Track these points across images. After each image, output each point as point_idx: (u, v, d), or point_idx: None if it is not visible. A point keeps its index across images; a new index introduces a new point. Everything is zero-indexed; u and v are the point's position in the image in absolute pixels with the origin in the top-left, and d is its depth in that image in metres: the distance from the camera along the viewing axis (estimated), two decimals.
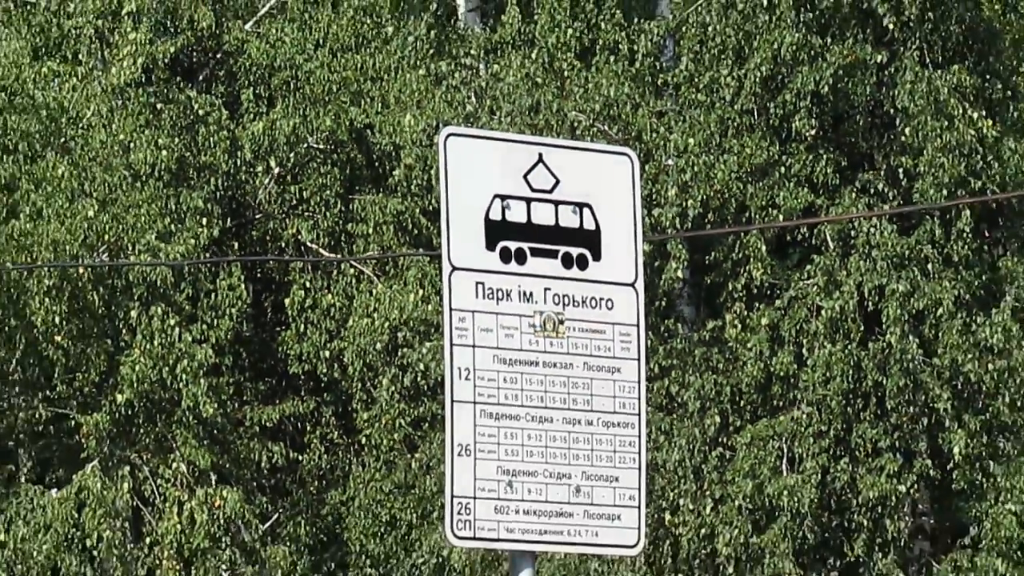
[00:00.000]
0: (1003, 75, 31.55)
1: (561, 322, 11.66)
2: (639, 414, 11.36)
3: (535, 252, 11.56)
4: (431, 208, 31.62)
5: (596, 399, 11.65)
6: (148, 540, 31.68)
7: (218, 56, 34.39)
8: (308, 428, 34.11)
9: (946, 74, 28.41)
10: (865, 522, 27.83)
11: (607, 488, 11.62)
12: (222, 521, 31.27)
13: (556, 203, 11.69)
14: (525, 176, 11.60)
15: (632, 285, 11.46)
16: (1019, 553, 28.30)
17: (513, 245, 11.48)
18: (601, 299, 11.82)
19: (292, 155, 33.33)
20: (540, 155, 11.53)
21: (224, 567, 32.96)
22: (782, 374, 28.05)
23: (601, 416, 11.61)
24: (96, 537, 30.98)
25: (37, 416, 32.39)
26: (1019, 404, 28.70)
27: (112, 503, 31.17)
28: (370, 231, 31.77)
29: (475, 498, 11.15)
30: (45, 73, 32.41)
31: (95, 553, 31.47)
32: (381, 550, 30.78)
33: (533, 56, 30.33)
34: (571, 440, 11.45)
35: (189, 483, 31.07)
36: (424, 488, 28.07)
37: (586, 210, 11.80)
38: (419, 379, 28.79)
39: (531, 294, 11.51)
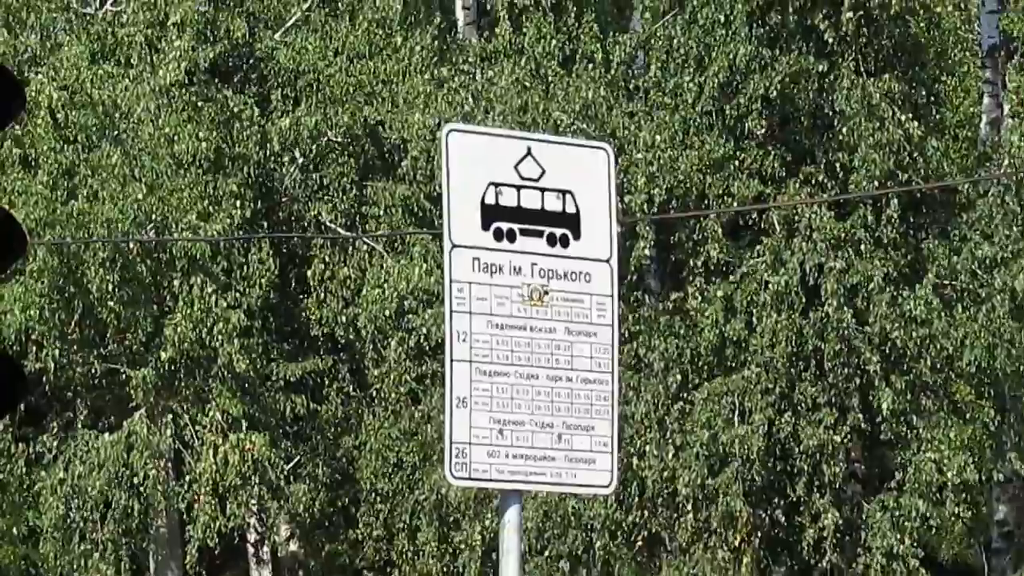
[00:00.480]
0: (927, 83, 31.58)
1: (546, 292, 12.46)
2: (612, 372, 12.34)
3: (524, 232, 12.38)
4: (435, 194, 30.74)
5: (575, 359, 12.46)
6: (187, 478, 31.90)
7: (251, 61, 34.28)
8: (326, 383, 34.09)
9: (878, 81, 28.41)
10: (805, 467, 27.76)
11: (584, 436, 12.42)
12: (251, 463, 31.28)
13: (542, 190, 12.45)
14: (515, 167, 12.42)
15: (607, 261, 12.38)
16: (937, 495, 28.31)
17: (505, 226, 12.27)
18: (580, 273, 12.61)
19: (314, 147, 33.20)
20: (528, 148, 12.58)
21: (253, 502, 33.22)
22: (735, 339, 28.00)
23: (580, 374, 12.48)
24: (143, 475, 31.08)
25: (92, 370, 32.45)
26: (939, 367, 28.78)
27: (156, 446, 31.38)
28: (381, 213, 31.77)
29: (470, 444, 11.99)
30: (101, 74, 32.22)
31: (141, 489, 31.55)
32: (388, 488, 30.81)
33: (522, 63, 30.28)
34: (553, 394, 12.31)
35: (223, 429, 31.22)
36: (426, 435, 28.14)
37: (568, 196, 12.58)
38: (422, 341, 28.81)
39: (520, 268, 12.32)
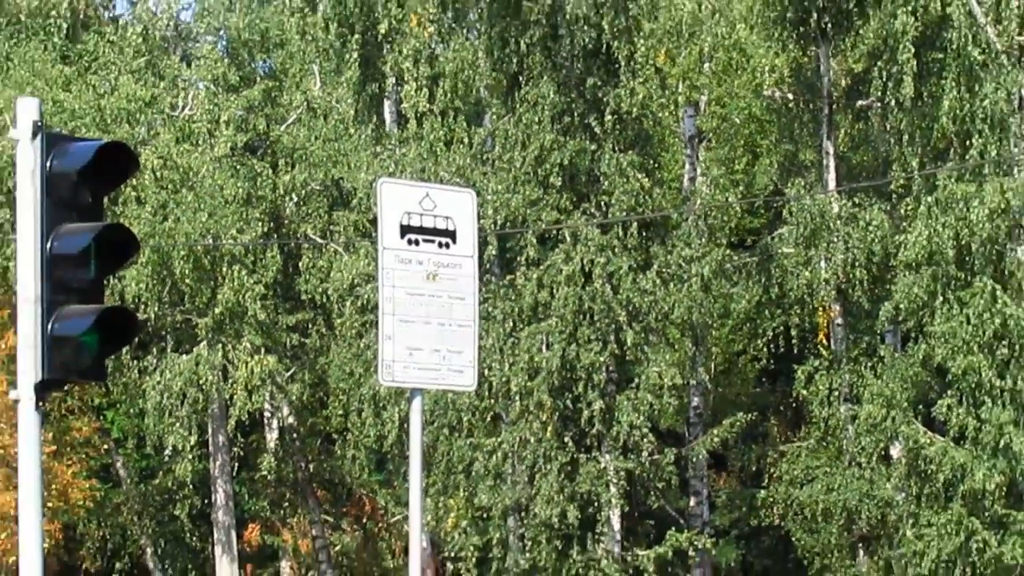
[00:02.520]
0: (654, 155, 31.48)
1: (436, 275, 12.54)
2: (474, 320, 12.77)
3: (424, 240, 12.52)
4: (373, 217, 29.38)
5: (453, 312, 12.60)
6: (230, 381, 31.18)
7: (267, 142, 33.75)
8: (310, 327, 33.19)
9: (625, 156, 28.25)
10: (583, 375, 27.24)
11: (458, 356, 12.70)
12: (267, 372, 31.08)
13: (434, 216, 12.55)
14: (420, 202, 12.54)
15: (471, 257, 12.67)
16: (659, 391, 28.14)
17: (414, 236, 12.45)
18: (456, 264, 12.66)
19: (304, 191, 32.83)
20: (427, 192, 12.76)
21: (267, 395, 32.62)
22: (543, 303, 27.48)
23: (455, 320, 12.62)
24: (205, 379, 31.18)
25: (176, 319, 32.11)
26: (659, 318, 28.49)
27: (212, 362, 30.98)
28: (342, 229, 31.44)
29: (393, 362, 12.37)
30: (181, 149, 32.01)
31: (203, 386, 30.97)
32: (347, 386, 30.31)
33: (422, 144, 29.81)
34: (440, 333, 12.53)
35: (251, 352, 30.87)
36: (367, 357, 27.65)
37: (449, 219, 12.62)
38: (366, 303, 28.33)
39: (422, 260, 12.49)
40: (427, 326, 12.44)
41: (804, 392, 29.35)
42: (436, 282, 12.49)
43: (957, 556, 25.11)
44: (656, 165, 31.01)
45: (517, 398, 27.61)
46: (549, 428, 27.70)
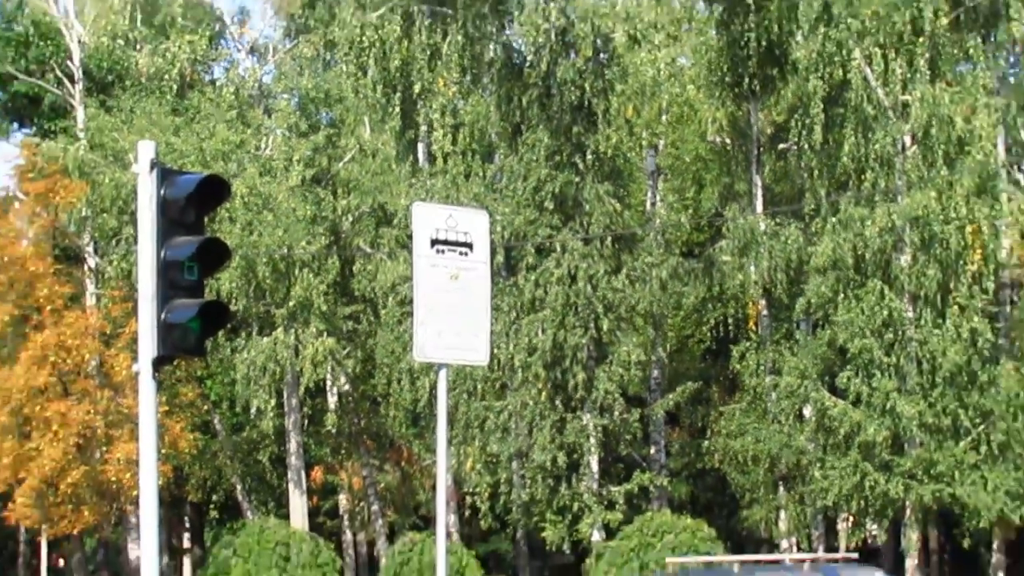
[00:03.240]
0: (628, 189, 31.83)
1: (458, 276, 12.20)
2: (487, 310, 12.56)
3: (449, 250, 12.17)
4: (409, 232, 28.69)
5: (471, 303, 12.31)
6: (299, 357, 30.15)
7: (328, 175, 32.69)
8: (361, 316, 32.43)
9: (603, 186, 28.39)
10: (570, 352, 27.46)
11: (473, 337, 12.44)
12: (328, 350, 30.24)
13: (456, 231, 12.20)
14: (446, 220, 12.30)
15: (485, 262, 12.38)
16: (628, 365, 28.33)
17: (440, 247, 12.13)
18: (472, 267, 12.33)
19: (357, 212, 32.24)
20: (451, 213, 12.65)
21: (330, 367, 31.79)
22: (540, 297, 27.78)
23: (473, 310, 12.34)
24: (281, 356, 30.07)
25: (258, 309, 31.19)
26: (626, 313, 28.21)
27: (287, 343, 30.09)
28: (386, 241, 30.72)
29: (425, 342, 12.22)
30: (263, 181, 31.16)
31: (280, 362, 30.17)
32: (389, 361, 29.88)
33: (447, 177, 29.60)
34: (461, 319, 12.22)
35: (316, 336, 30.01)
36: (406, 339, 27.22)
37: (467, 232, 12.29)
38: (404, 298, 27.84)
39: (447, 265, 12.15)
40: (450, 315, 12.19)
41: (738, 366, 29.28)
42: (457, 281, 12.22)
43: (854, 492, 25.07)
44: (626, 193, 30.85)
45: (519, 371, 27.47)
46: (543, 394, 27.58)
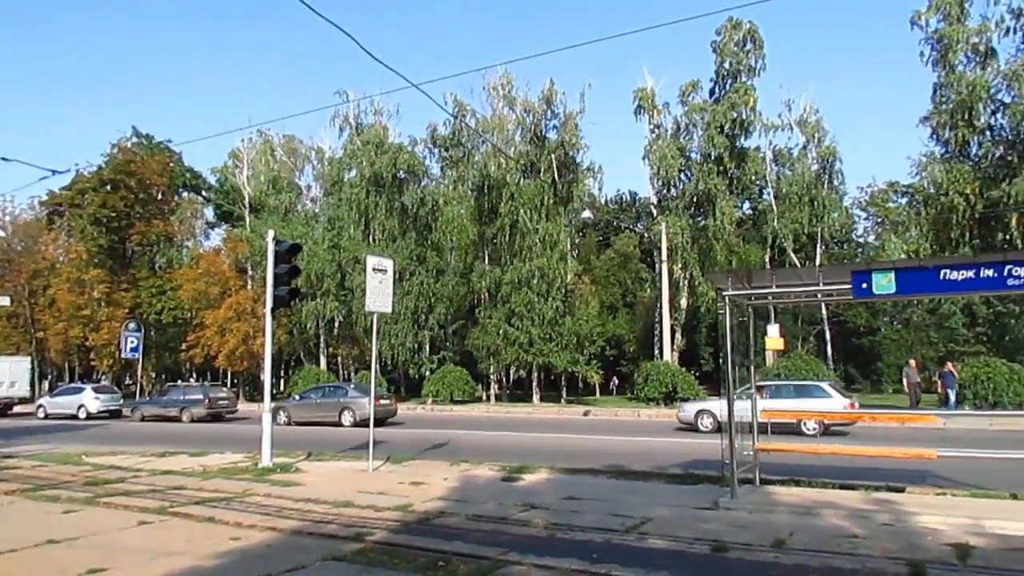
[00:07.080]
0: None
1: (381, 280, 13.06)
2: (391, 294, 13.60)
3: (378, 270, 13.42)
4: None
5: (385, 291, 13.97)
6: (322, 313, 43.82)
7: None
8: (354, 298, 42.89)
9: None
10: None
11: (386, 302, 13.91)
12: (334, 308, 44.06)
13: (381, 264, 13.39)
14: (378, 261, 13.73)
15: (390, 275, 13.47)
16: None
17: (376, 272, 13.15)
18: (387, 276, 13.50)
19: (352, 258, 45.29)
20: (380, 259, 13.51)
21: (337, 315, 44.89)
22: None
23: (386, 293, 13.96)
24: (321, 311, 43.78)
25: (310, 292, 44.40)
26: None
27: (319, 306, 45.09)
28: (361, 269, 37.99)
29: (369, 303, 13.54)
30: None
31: (319, 313, 44.08)
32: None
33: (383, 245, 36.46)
34: (382, 295, 14.38)
35: (333, 301, 42.47)
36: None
37: (385, 264, 13.31)
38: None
39: (379, 276, 13.00)
40: (376, 294, 15.19)
41: None
42: (381, 283, 15.01)
43: None
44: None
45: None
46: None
